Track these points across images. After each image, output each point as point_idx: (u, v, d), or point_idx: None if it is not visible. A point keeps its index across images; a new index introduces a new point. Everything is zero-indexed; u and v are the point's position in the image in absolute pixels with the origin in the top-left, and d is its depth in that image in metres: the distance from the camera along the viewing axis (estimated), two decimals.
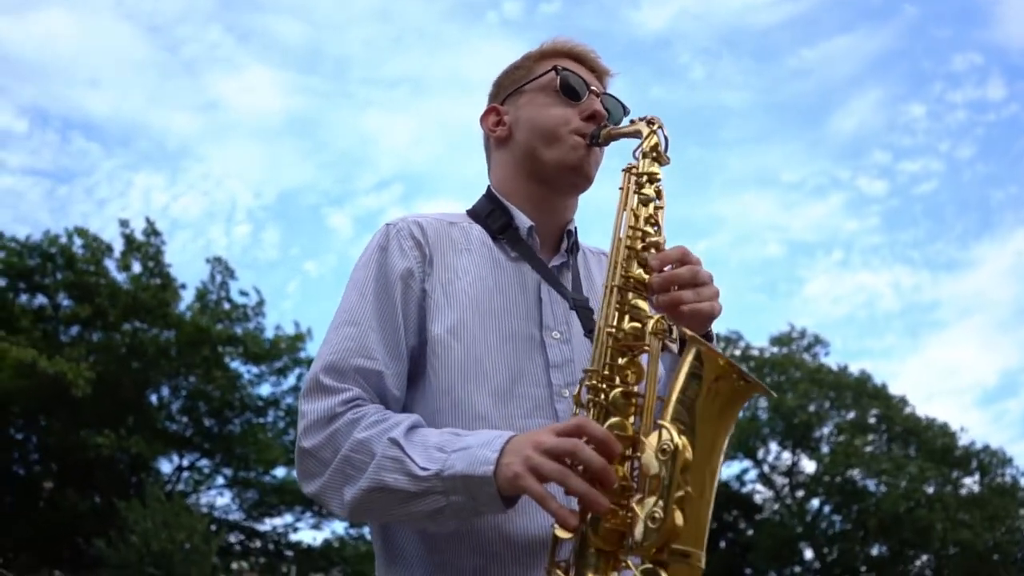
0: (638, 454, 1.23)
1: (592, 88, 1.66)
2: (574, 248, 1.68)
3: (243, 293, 24.10)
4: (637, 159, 1.50)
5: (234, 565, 24.33)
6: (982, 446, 28.26)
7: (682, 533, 1.17)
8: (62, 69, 35.05)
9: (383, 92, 38.98)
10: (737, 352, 29.27)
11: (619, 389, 1.30)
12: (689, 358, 1.24)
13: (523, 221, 1.62)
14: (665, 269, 1.39)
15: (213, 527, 21.29)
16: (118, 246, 22.58)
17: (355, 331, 1.47)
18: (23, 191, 32.10)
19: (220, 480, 24.87)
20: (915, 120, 38.89)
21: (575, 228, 1.70)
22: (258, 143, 38.50)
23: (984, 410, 40.82)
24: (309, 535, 25.59)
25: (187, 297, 23.32)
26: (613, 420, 1.27)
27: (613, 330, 1.34)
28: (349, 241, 38.86)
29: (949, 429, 28.38)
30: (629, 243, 1.41)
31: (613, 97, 1.70)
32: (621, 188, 1.49)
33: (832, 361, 29.28)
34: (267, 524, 25.20)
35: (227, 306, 23.78)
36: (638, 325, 1.34)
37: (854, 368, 28.99)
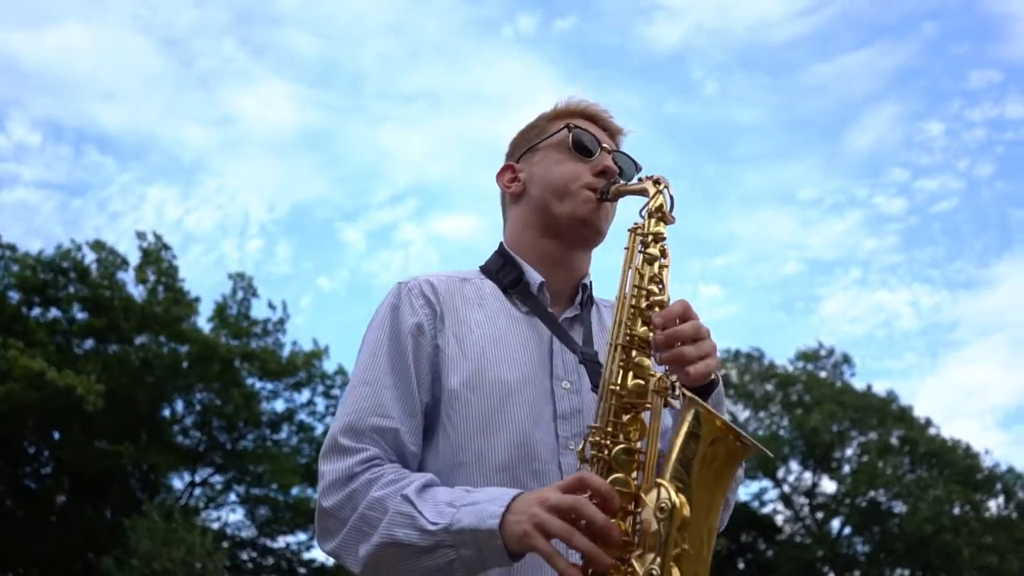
0: (639, 510, 1.28)
1: (604, 145, 1.72)
2: (588, 302, 1.72)
3: (271, 306, 24.15)
4: (643, 218, 1.55)
5: None
6: (1006, 468, 27.86)
7: None
8: (77, 82, 34.96)
9: (398, 107, 38.99)
10: (760, 369, 28.97)
11: (621, 446, 1.35)
12: (688, 418, 1.28)
13: (534, 277, 1.67)
14: (668, 326, 1.42)
15: (224, 544, 21.18)
16: (132, 259, 22.76)
17: (370, 391, 1.53)
18: (36, 204, 32.20)
19: (233, 496, 24.86)
20: (933, 138, 38.46)
21: (590, 282, 1.74)
22: (272, 157, 38.54)
23: (1006, 431, 40.23)
24: (322, 553, 25.37)
25: (202, 311, 23.41)
26: (615, 476, 1.33)
27: (617, 388, 1.39)
28: (362, 255, 38.80)
29: (972, 451, 27.98)
30: (634, 302, 1.45)
31: (625, 155, 1.76)
32: (626, 247, 1.53)
33: (855, 381, 28.98)
34: (280, 542, 25.14)
35: (246, 322, 23.79)
36: (641, 383, 1.39)
37: (879, 388, 28.67)
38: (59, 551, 20.93)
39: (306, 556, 24.90)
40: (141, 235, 22.95)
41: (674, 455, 1.26)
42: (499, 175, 1.80)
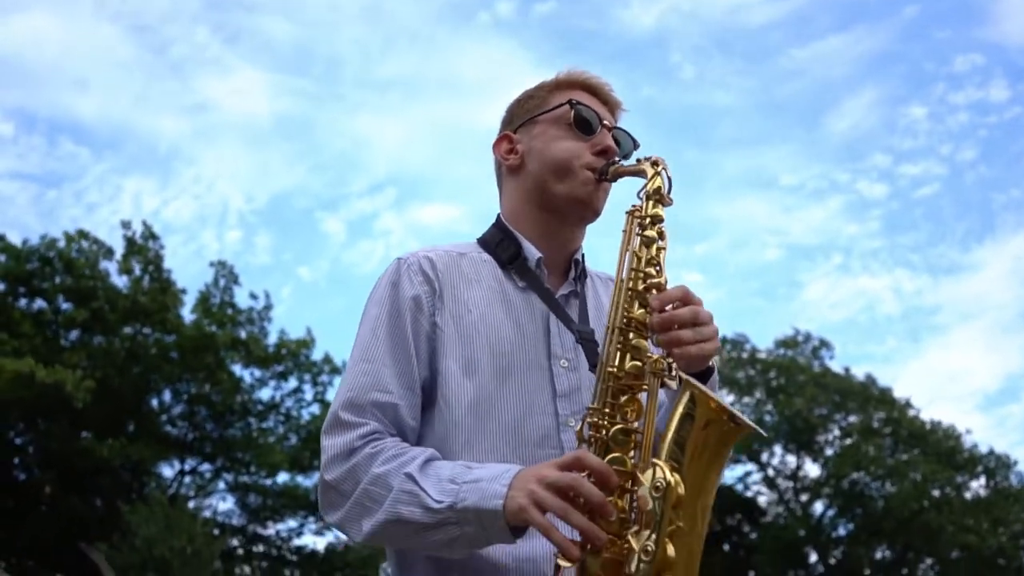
0: (635, 488, 1.31)
1: (604, 122, 1.70)
2: (582, 276, 1.73)
3: (253, 296, 24.12)
4: (640, 200, 1.55)
5: (236, 570, 24.28)
6: (987, 450, 28.24)
7: (674, 565, 1.25)
8: (48, 72, 34.49)
9: (375, 94, 38.70)
10: (744, 355, 29.21)
11: (619, 426, 1.38)
12: (684, 399, 1.30)
13: (532, 252, 1.67)
14: (666, 308, 1.43)
15: (216, 531, 21.23)
16: (115, 250, 22.62)
17: (370, 367, 1.55)
18: (11, 196, 31.83)
19: (222, 485, 24.89)
20: (916, 122, 38.39)
21: (583, 256, 1.75)
22: (249, 146, 38.21)
23: (987, 414, 40.62)
24: (312, 539, 25.55)
25: (186, 301, 23.33)
26: (612, 455, 1.35)
27: (614, 369, 1.41)
28: (342, 245, 38.63)
29: (955, 432, 28.32)
30: (631, 284, 1.47)
31: (624, 131, 1.75)
32: (624, 230, 1.54)
33: (835, 365, 29.23)
34: (270, 529, 25.20)
35: (230, 310, 23.74)
36: (638, 364, 1.41)
37: (858, 372, 28.96)
38: (49, 540, 20.95)
39: (296, 543, 25.04)
40: (126, 224, 22.84)
41: (669, 435, 1.29)
42: (496, 145, 1.77)
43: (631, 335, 1.42)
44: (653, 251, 1.48)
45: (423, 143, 38.57)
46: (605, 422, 1.38)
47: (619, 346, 1.42)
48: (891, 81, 40.00)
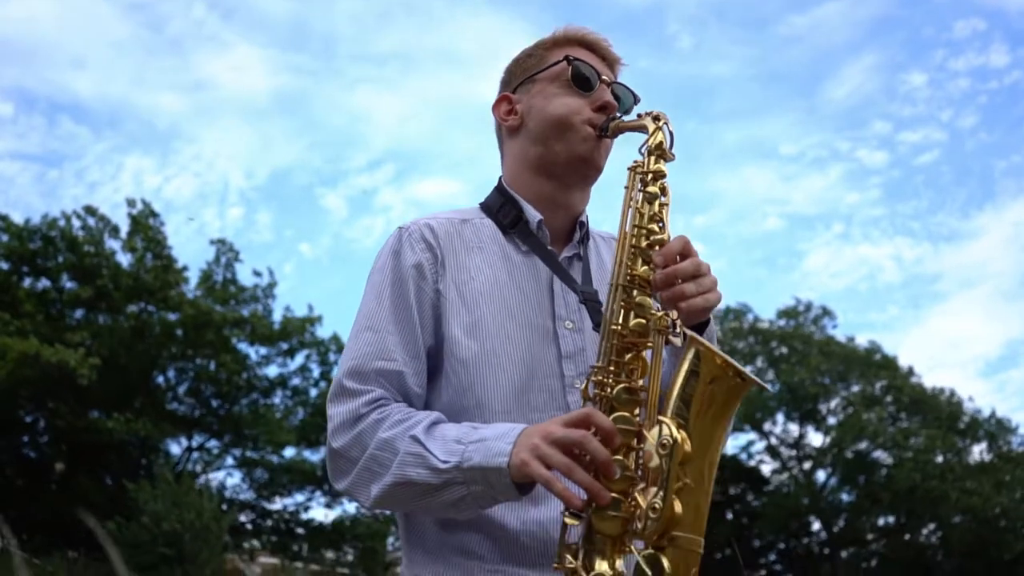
0: (642, 446, 1.30)
1: (603, 78, 1.67)
2: (585, 238, 1.72)
3: (257, 273, 24.21)
4: (642, 155, 1.53)
5: (245, 544, 24.51)
6: (988, 414, 28.37)
7: (681, 521, 1.24)
8: (45, 51, 34.50)
9: (372, 69, 38.69)
10: (745, 325, 29.26)
11: (623, 384, 1.37)
12: (689, 356, 1.29)
13: (532, 215, 1.66)
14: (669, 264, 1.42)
15: (224, 507, 21.41)
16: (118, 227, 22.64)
17: (374, 336, 1.54)
18: (12, 175, 32.12)
19: (229, 460, 25.08)
20: (916, 89, 38.40)
21: (587, 218, 1.74)
22: (247, 123, 38.34)
23: (988, 380, 40.82)
24: (321, 513, 25.79)
25: (189, 278, 23.42)
26: (618, 414, 1.34)
27: (618, 327, 1.40)
28: (343, 221, 38.79)
29: (956, 397, 28.43)
30: (634, 241, 1.45)
31: (623, 85, 1.72)
32: (626, 186, 1.52)
33: (838, 334, 29.30)
34: (278, 503, 25.43)
35: (232, 288, 23.82)
36: (642, 322, 1.40)
37: (861, 340, 29.02)
38: (60, 517, 21.14)
39: (304, 517, 25.27)
40: (131, 202, 22.90)
41: (675, 392, 1.27)
42: (495, 106, 1.75)
43: (635, 292, 1.41)
44: (656, 207, 1.46)
45: (421, 117, 38.49)
46: (610, 380, 1.36)
47: (623, 304, 1.40)
48: (890, 47, 39.75)
